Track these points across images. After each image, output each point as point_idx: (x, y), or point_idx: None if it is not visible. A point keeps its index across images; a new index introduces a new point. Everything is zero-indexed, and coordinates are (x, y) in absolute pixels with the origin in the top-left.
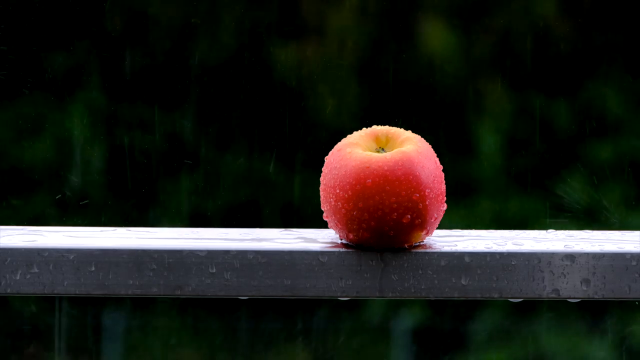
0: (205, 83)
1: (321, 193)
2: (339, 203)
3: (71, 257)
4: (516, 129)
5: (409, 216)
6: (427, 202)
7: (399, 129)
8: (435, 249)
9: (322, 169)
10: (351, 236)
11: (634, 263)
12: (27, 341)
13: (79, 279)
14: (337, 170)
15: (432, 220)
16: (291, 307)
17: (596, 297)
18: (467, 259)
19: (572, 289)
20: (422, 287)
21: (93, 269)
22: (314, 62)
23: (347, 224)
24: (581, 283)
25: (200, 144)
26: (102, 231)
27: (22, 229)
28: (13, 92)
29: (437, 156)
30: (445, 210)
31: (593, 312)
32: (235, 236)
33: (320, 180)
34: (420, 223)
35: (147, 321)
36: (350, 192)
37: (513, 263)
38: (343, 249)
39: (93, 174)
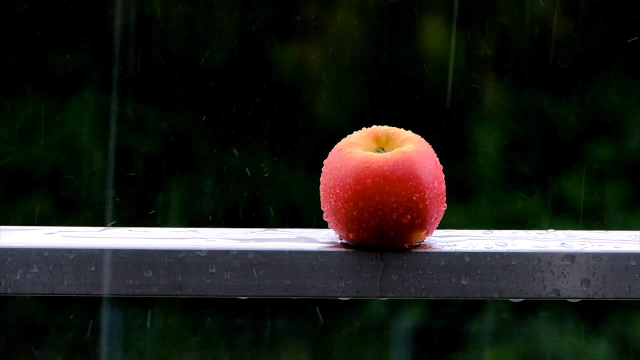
0: (205, 83)
1: (321, 193)
2: (339, 203)
3: (71, 257)
4: (516, 129)
5: (409, 216)
6: (427, 202)
7: (399, 129)
8: (435, 249)
9: (322, 169)
10: (351, 236)
11: (634, 263)
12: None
13: (79, 279)
14: (337, 170)
15: (432, 220)
16: (291, 306)
17: (596, 297)
18: (467, 259)
19: (572, 289)
20: (422, 287)
21: (93, 269)
22: (314, 62)
23: (347, 224)
24: (581, 283)
25: (200, 144)
26: (102, 231)
27: (22, 229)
28: (14, 92)
29: (437, 156)
30: (445, 210)
31: (593, 312)
32: (236, 236)
33: (320, 180)
34: (420, 223)
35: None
36: (350, 192)
37: (513, 263)
38: (343, 249)
39: (93, 174)
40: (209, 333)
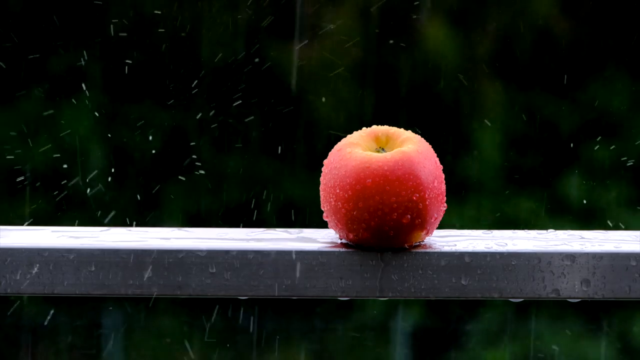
0: (205, 84)
1: (321, 193)
2: (339, 203)
3: (71, 257)
4: (516, 129)
5: (409, 216)
6: (427, 202)
7: (399, 129)
8: (435, 249)
9: (322, 169)
10: (351, 236)
11: (634, 263)
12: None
13: (79, 279)
14: (337, 170)
15: (432, 220)
16: (291, 306)
17: (596, 297)
18: (467, 259)
19: (572, 289)
20: (422, 287)
21: (93, 269)
22: (314, 62)
23: (347, 224)
24: (581, 283)
25: (200, 144)
26: (102, 231)
27: (22, 229)
28: (14, 92)
29: (437, 156)
30: (445, 210)
31: (593, 312)
32: (235, 236)
33: (320, 180)
34: (420, 223)
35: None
36: (350, 192)
37: (513, 263)
38: (343, 249)
39: (93, 174)
40: (208, 333)
